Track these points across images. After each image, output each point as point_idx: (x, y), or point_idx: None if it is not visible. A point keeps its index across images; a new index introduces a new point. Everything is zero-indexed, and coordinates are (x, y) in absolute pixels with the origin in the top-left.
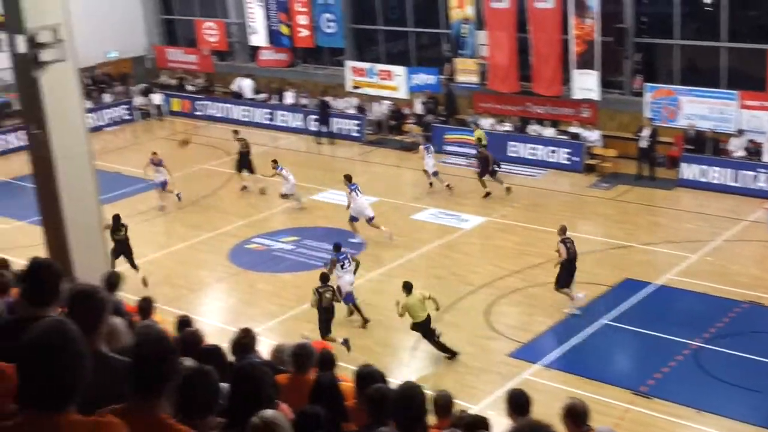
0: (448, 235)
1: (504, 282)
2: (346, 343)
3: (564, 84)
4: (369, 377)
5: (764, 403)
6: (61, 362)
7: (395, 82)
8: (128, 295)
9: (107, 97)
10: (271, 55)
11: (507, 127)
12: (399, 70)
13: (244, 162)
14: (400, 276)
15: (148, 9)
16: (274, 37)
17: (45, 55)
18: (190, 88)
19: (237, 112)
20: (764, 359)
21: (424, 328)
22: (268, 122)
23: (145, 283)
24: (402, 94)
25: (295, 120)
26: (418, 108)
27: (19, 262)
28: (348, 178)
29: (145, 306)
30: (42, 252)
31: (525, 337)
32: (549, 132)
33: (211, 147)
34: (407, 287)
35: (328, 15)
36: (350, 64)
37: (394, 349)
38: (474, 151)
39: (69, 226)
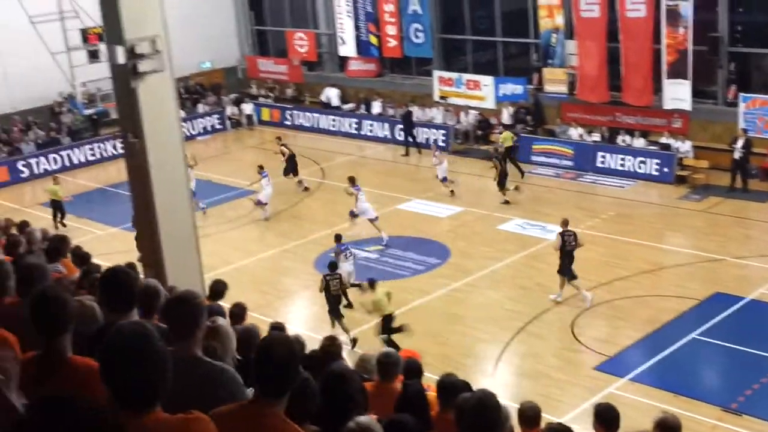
0: (534, 246)
1: (590, 294)
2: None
3: (655, 94)
4: (452, 387)
5: None
6: (140, 364)
7: (483, 92)
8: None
9: (201, 107)
10: (359, 65)
11: (596, 137)
12: (487, 80)
13: (292, 165)
14: (484, 287)
15: (241, 20)
16: (362, 47)
17: (143, 66)
18: (262, 99)
19: (325, 121)
20: None
21: (389, 322)
22: (355, 132)
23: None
24: (489, 104)
25: (382, 130)
26: (506, 118)
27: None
28: (352, 180)
29: (239, 312)
30: (135, 258)
31: (611, 350)
32: (639, 142)
33: (299, 156)
34: (371, 283)
35: (416, 25)
36: (438, 73)
37: (477, 359)
38: (563, 162)
39: (163, 234)
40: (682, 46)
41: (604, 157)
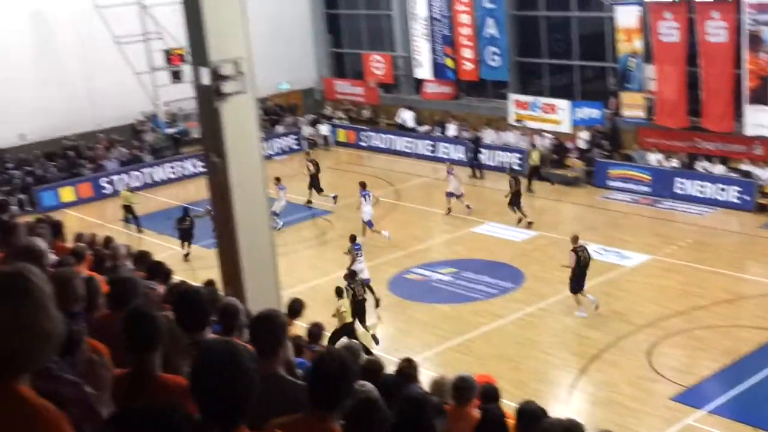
0: (610, 272)
1: (668, 323)
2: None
3: (735, 120)
4: (533, 414)
5: None
6: (230, 382)
7: (558, 116)
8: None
9: (279, 128)
10: (435, 87)
11: (674, 163)
12: (563, 104)
13: (315, 182)
14: (558, 313)
15: (319, 43)
16: (438, 70)
17: (227, 87)
18: (336, 121)
19: (400, 143)
20: None
21: (348, 332)
22: (430, 154)
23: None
24: (565, 127)
25: (456, 152)
26: (581, 142)
27: (191, 284)
28: (362, 185)
29: (316, 331)
30: (213, 275)
31: (689, 380)
32: (718, 169)
33: (374, 177)
34: (339, 292)
35: (493, 48)
36: (513, 97)
37: (550, 385)
38: (640, 187)
39: (242, 251)
40: (764, 72)
41: (682, 183)
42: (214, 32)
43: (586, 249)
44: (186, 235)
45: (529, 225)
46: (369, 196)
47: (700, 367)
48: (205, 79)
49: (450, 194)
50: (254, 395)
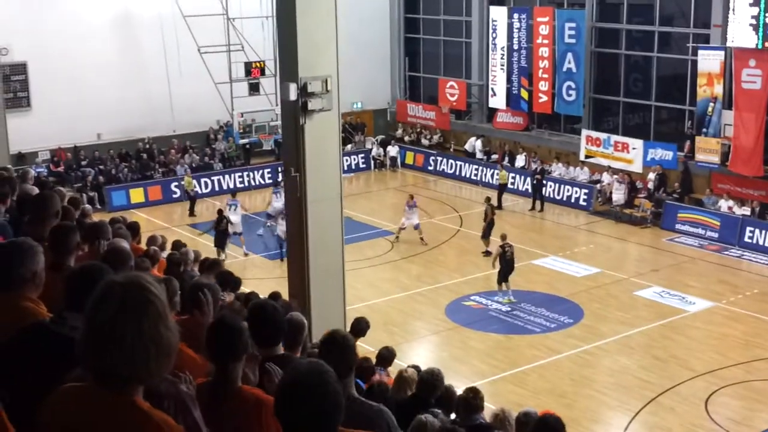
0: (671, 316)
1: (728, 372)
2: None
3: None
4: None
5: None
6: (318, 403)
7: (630, 155)
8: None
9: (349, 146)
10: (507, 117)
11: (745, 211)
12: (636, 143)
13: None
14: (615, 352)
15: (396, 65)
16: (512, 100)
17: (313, 104)
18: (425, 141)
19: (467, 170)
20: None
21: None
22: (496, 183)
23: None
24: (636, 167)
25: (524, 183)
26: (652, 183)
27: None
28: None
29: (387, 355)
30: (277, 286)
31: None
32: None
33: (439, 202)
34: None
35: (569, 83)
36: (586, 132)
37: (603, 425)
38: (708, 233)
39: (312, 266)
40: None
41: (752, 232)
42: (306, 49)
43: (512, 247)
44: (222, 239)
45: (488, 254)
46: (237, 206)
47: (758, 420)
48: (292, 94)
49: (418, 226)
50: (340, 418)
